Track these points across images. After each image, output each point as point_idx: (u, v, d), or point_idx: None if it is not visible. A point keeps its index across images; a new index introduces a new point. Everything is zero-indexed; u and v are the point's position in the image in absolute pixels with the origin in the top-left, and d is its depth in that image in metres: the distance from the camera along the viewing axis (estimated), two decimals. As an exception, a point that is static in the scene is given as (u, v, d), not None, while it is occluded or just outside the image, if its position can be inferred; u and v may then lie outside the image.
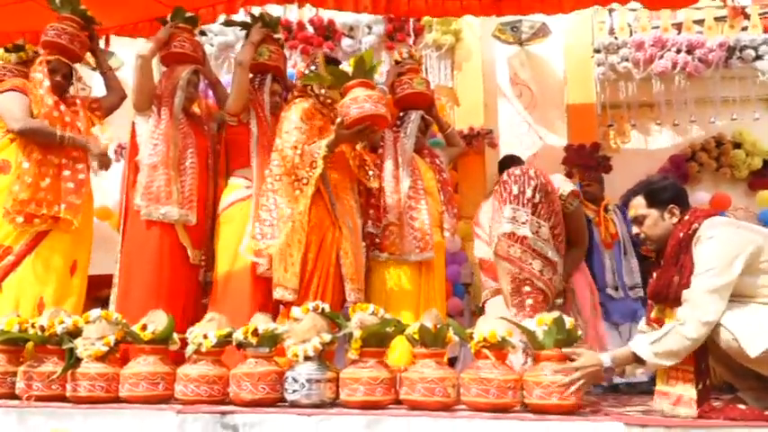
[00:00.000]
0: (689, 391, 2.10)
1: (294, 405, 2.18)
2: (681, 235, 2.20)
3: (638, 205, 2.34)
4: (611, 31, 5.01)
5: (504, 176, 2.65)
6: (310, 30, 5.11)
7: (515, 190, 2.56)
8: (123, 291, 2.96)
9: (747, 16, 4.92)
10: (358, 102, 2.74)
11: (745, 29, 4.88)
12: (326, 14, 5.10)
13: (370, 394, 2.14)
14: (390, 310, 2.45)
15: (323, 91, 3.02)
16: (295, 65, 4.64)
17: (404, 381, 2.16)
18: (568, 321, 2.14)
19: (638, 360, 2.13)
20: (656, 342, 2.08)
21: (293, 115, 2.93)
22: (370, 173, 3.07)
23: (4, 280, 2.94)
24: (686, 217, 2.24)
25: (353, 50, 4.94)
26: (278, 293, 2.80)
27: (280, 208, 2.81)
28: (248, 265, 2.92)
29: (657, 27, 4.92)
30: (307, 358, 2.21)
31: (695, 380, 2.10)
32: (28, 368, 2.41)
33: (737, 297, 2.09)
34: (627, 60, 4.82)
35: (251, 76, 3.24)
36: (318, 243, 2.83)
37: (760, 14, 4.91)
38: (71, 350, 2.38)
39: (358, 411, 2.11)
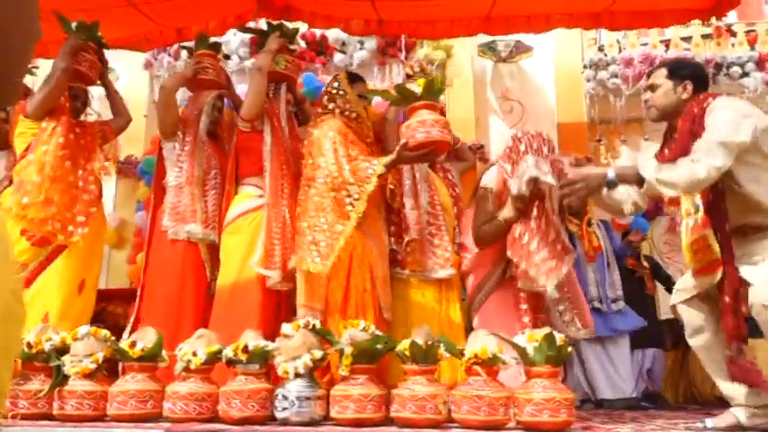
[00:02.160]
0: None
1: (284, 423, 2.16)
2: (695, 110, 2.30)
3: (659, 74, 2.48)
4: (601, 48, 5.08)
5: (519, 134, 2.81)
6: (302, 44, 5.14)
7: (535, 145, 2.68)
8: (146, 308, 2.97)
9: (734, 34, 5.00)
10: (425, 125, 2.65)
11: (732, 46, 4.96)
12: (319, 30, 5.13)
13: (360, 411, 2.13)
14: (412, 328, 2.42)
15: (348, 106, 2.99)
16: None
17: (395, 398, 2.15)
18: (558, 337, 2.15)
19: (638, 179, 2.22)
20: (663, 170, 2.19)
21: (330, 132, 2.85)
22: (390, 187, 3.01)
23: None
24: (701, 96, 2.34)
25: (345, 65, 4.97)
26: (301, 313, 2.67)
27: (333, 226, 2.70)
28: (255, 276, 2.84)
29: (646, 44, 5.00)
30: (297, 375, 2.20)
31: None
32: (14, 386, 2.37)
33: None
34: (616, 76, 4.88)
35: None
36: (348, 260, 2.73)
37: (746, 32, 5.00)
38: (58, 367, 2.35)
39: (348, 429, 2.09)
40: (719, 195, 2.28)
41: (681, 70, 2.44)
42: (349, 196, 2.72)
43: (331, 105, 3.02)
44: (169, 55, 5.01)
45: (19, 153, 3.15)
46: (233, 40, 5.12)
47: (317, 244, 2.68)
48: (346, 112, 2.98)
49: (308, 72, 4.68)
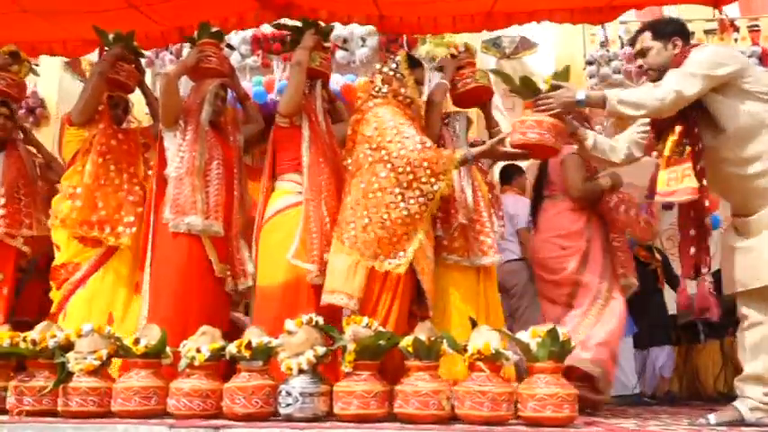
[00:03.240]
0: None
1: (288, 419, 2.17)
2: (681, 60, 2.37)
3: (644, 38, 2.53)
4: (603, 44, 5.07)
5: None
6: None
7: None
8: (152, 305, 2.93)
9: (737, 29, 4.99)
10: (542, 127, 2.52)
11: (735, 41, 4.94)
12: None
13: (363, 407, 2.13)
14: (455, 314, 2.40)
15: (404, 90, 2.92)
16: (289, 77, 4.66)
17: (398, 394, 2.15)
18: (561, 332, 2.15)
19: (602, 101, 2.37)
20: (627, 91, 2.33)
21: (393, 118, 2.77)
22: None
23: (73, 295, 3.01)
24: (687, 48, 2.42)
25: (347, 62, 4.97)
26: (339, 300, 2.63)
27: (395, 222, 2.65)
28: (299, 274, 2.82)
29: (648, 39, 4.98)
30: (301, 371, 2.20)
31: None
32: (19, 383, 2.39)
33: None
34: (619, 72, 4.87)
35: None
36: None
37: (749, 27, 4.98)
38: (63, 364, 2.36)
39: (352, 425, 2.10)
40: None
41: (664, 29, 2.50)
42: (423, 196, 2.68)
43: (386, 88, 2.93)
44: (171, 53, 5.02)
45: (67, 161, 3.25)
46: (234, 37, 5.12)
47: (381, 241, 2.64)
48: (400, 97, 2.91)
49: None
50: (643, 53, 2.52)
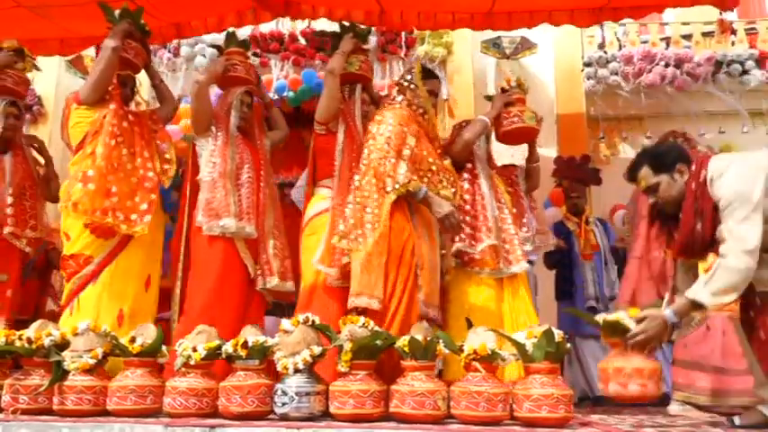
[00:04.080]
0: None
1: (284, 418, 2.17)
2: (694, 186, 2.25)
3: (647, 176, 2.37)
4: (601, 45, 5.07)
5: None
6: (302, 42, 5.13)
7: None
8: (186, 308, 2.95)
9: (734, 31, 5.00)
10: (622, 374, 2.23)
11: (732, 44, 4.95)
12: (319, 26, 5.12)
13: (359, 407, 2.13)
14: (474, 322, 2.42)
15: (417, 100, 2.95)
16: (287, 76, 4.65)
17: (394, 393, 2.15)
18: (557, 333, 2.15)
19: (696, 306, 2.17)
20: (708, 282, 2.13)
21: (393, 125, 2.81)
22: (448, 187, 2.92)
23: (83, 290, 2.90)
24: (693, 168, 2.28)
25: (346, 62, 4.95)
26: (362, 301, 2.62)
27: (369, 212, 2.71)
28: (326, 278, 2.86)
29: (646, 41, 4.99)
30: (296, 371, 2.21)
31: None
32: (14, 381, 2.39)
33: None
34: (616, 74, 4.87)
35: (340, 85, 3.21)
36: (399, 252, 2.69)
37: (746, 30, 4.99)
38: (58, 363, 2.35)
39: (347, 424, 2.10)
40: None
41: (663, 161, 2.34)
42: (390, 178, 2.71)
43: (400, 97, 2.99)
44: (169, 51, 5.00)
45: (75, 144, 3.04)
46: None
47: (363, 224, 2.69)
48: (413, 107, 2.96)
49: (308, 69, 4.67)
50: (653, 190, 2.36)
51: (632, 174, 2.43)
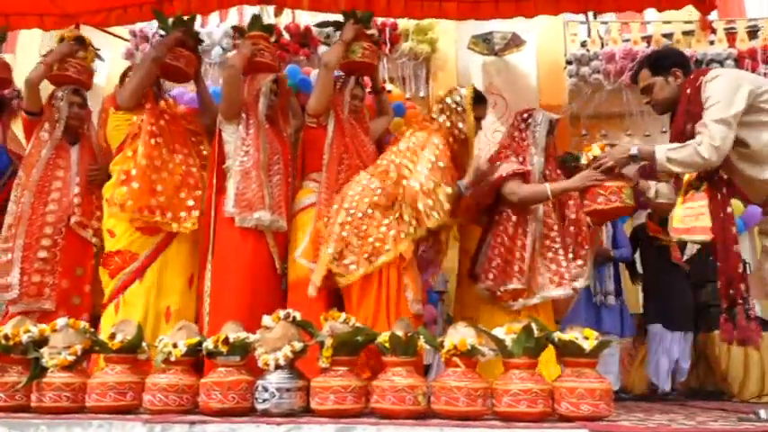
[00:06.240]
0: None
1: (264, 414, 2.17)
2: (689, 90, 2.38)
3: (645, 77, 2.53)
4: (583, 44, 5.12)
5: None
6: (287, 37, 5.11)
7: None
8: (214, 302, 2.86)
9: (714, 31, 5.07)
10: (591, 194, 2.62)
11: (711, 43, 5.02)
12: (303, 21, 5.10)
13: (340, 403, 2.14)
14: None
15: (461, 126, 2.80)
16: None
17: (374, 389, 2.16)
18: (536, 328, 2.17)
19: (653, 160, 2.37)
20: (673, 149, 2.33)
21: (428, 148, 2.72)
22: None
23: (128, 287, 2.89)
24: (691, 77, 2.42)
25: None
26: (415, 309, 2.65)
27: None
28: (308, 273, 2.83)
29: (628, 40, 5.05)
30: (277, 367, 2.21)
31: None
32: (-8, 378, 2.36)
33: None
34: (598, 72, 4.92)
35: (337, 74, 3.16)
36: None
37: (725, 30, 5.06)
38: (36, 359, 2.33)
39: (328, 420, 2.10)
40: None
41: (662, 63, 2.51)
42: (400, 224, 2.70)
43: (442, 118, 2.84)
44: (151, 45, 4.96)
45: (115, 147, 3.11)
46: (216, 31, 5.09)
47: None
48: (455, 131, 2.82)
49: (292, 64, 4.66)
50: (647, 90, 2.52)
51: (634, 76, 2.62)
